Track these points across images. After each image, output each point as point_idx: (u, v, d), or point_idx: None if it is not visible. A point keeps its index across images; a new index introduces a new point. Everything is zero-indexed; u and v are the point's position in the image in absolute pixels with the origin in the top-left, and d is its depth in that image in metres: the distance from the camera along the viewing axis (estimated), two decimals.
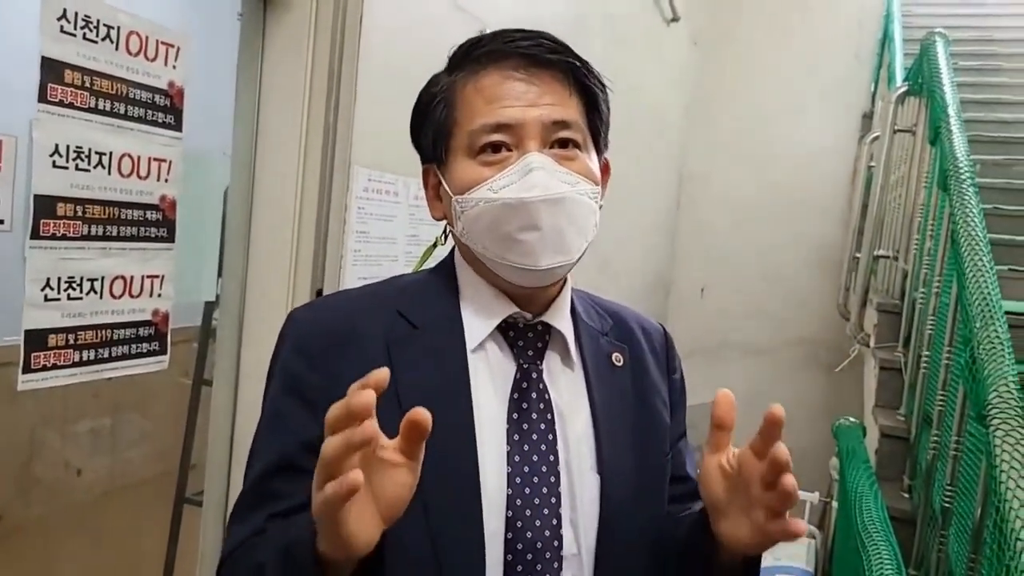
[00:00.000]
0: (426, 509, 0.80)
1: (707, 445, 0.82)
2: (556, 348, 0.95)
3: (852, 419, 2.97)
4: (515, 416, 0.89)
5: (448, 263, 0.97)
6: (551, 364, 0.94)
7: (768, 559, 2.15)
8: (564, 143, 0.88)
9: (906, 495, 2.50)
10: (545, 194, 0.84)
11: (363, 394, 0.61)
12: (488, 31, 0.93)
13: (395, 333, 0.89)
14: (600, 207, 0.92)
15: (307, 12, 1.75)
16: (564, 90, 0.89)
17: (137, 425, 2.77)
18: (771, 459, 0.74)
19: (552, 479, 0.88)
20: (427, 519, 0.81)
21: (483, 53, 0.89)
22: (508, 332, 0.93)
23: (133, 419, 2.76)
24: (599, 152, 0.94)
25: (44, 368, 1.40)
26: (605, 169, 0.97)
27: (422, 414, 0.64)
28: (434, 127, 0.92)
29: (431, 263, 1.03)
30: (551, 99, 0.87)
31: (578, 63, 0.89)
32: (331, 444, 0.62)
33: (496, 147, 0.86)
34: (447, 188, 0.90)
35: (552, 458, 0.88)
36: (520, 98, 0.86)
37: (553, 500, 0.87)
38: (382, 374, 0.63)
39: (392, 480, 0.67)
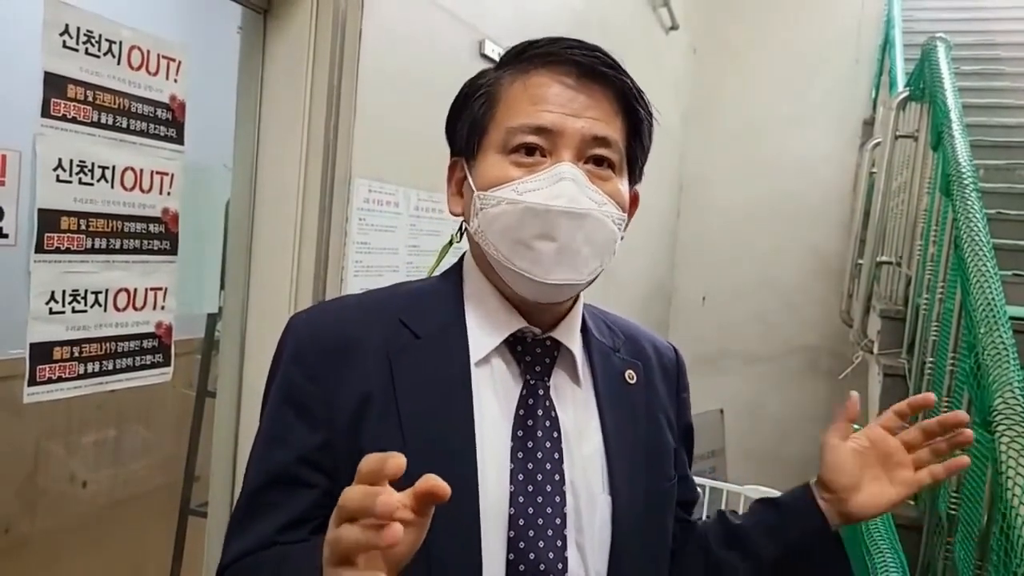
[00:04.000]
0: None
1: (833, 434, 0.94)
2: (564, 366, 0.92)
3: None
4: (520, 434, 0.86)
5: (456, 270, 0.95)
6: (559, 382, 0.91)
7: None
8: (600, 161, 0.85)
9: (911, 502, 2.49)
10: (569, 206, 0.81)
11: (390, 501, 0.57)
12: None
13: (397, 343, 0.87)
14: (622, 237, 0.89)
15: (306, 25, 1.76)
16: (611, 108, 0.87)
17: (141, 437, 2.77)
18: (954, 422, 0.95)
19: (557, 499, 0.85)
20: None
21: (537, 54, 0.87)
22: (515, 346, 0.90)
23: (137, 431, 2.75)
24: (632, 181, 0.92)
25: (49, 381, 1.41)
26: (634, 200, 0.95)
27: (439, 487, 0.59)
28: (471, 119, 0.89)
29: (445, 265, 1.01)
30: (596, 113, 0.85)
31: (630, 84, 0.88)
32: (350, 535, 0.59)
33: (531, 150, 0.84)
34: (471, 183, 0.88)
35: (558, 478, 0.86)
36: (565, 105, 0.84)
37: (558, 521, 0.84)
38: (399, 462, 0.59)
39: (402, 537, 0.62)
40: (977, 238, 2.09)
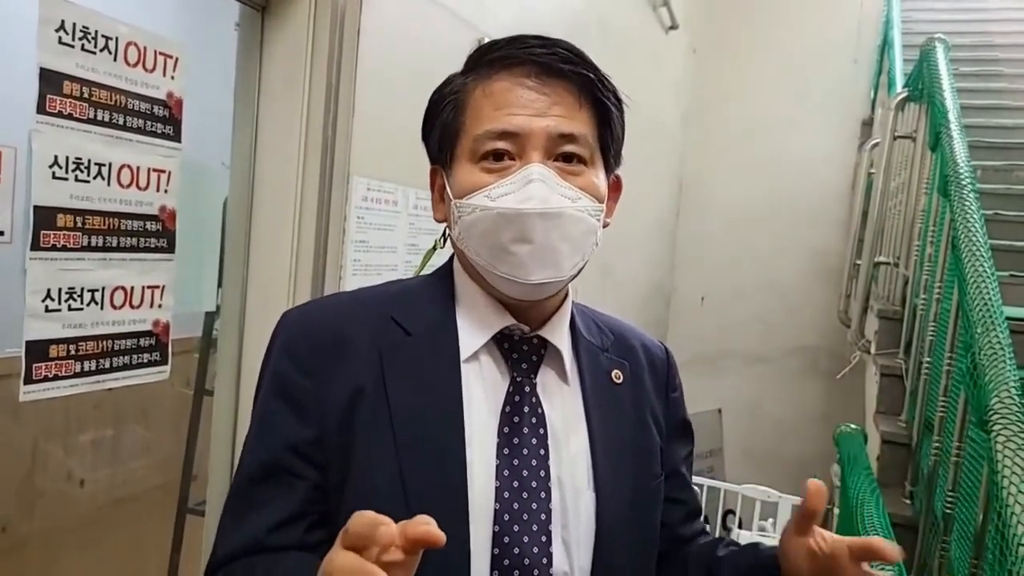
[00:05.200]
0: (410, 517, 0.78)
1: (794, 526, 0.84)
2: (552, 363, 0.93)
3: (853, 426, 2.96)
4: (506, 430, 0.87)
5: (447, 269, 0.96)
6: (546, 379, 0.92)
7: None
8: (569, 157, 0.85)
9: (908, 501, 2.49)
10: (541, 207, 0.81)
11: (391, 533, 0.58)
12: (486, 40, 0.93)
13: (388, 340, 0.88)
14: (606, 225, 0.90)
15: (305, 22, 1.76)
16: (575, 102, 0.86)
17: (139, 436, 2.77)
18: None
19: (542, 495, 0.85)
20: None
21: (497, 57, 0.87)
22: (503, 344, 0.91)
23: (135, 430, 2.75)
24: (608, 169, 0.91)
25: (45, 379, 1.40)
26: (615, 186, 0.95)
27: (435, 536, 0.59)
28: (442, 128, 0.90)
29: (429, 269, 1.01)
30: (560, 110, 0.85)
31: (592, 75, 0.86)
32: (344, 560, 0.59)
33: (499, 155, 0.84)
34: (449, 191, 0.89)
35: (543, 474, 0.86)
36: (528, 107, 0.84)
37: (543, 516, 0.85)
38: (390, 531, 0.59)
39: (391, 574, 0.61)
40: (974, 239, 2.09)
